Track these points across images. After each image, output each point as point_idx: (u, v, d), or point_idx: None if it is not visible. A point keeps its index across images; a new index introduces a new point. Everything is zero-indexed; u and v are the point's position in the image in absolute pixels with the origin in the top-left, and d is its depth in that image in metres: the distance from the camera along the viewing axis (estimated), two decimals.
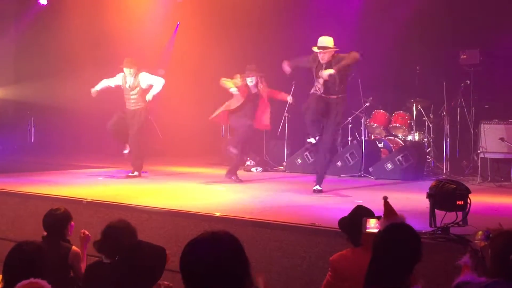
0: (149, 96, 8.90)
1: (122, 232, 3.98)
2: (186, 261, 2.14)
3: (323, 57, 7.62)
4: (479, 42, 10.57)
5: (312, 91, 7.71)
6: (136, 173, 9.12)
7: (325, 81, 7.55)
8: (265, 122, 8.98)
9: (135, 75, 8.96)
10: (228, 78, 8.91)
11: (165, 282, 3.40)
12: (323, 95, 7.60)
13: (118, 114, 9.13)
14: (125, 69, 8.96)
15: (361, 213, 3.69)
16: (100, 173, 9.67)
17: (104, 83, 9.14)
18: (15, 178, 8.79)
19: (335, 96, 7.61)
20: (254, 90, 8.89)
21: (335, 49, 7.65)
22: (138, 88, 8.95)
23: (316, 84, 7.67)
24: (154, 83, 8.98)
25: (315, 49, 7.65)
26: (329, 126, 7.63)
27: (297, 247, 5.11)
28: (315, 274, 4.85)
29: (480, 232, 3.56)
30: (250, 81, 8.84)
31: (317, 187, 7.65)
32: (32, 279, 3.12)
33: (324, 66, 7.62)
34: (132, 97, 9.00)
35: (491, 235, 3.28)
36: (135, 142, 9.07)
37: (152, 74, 9.16)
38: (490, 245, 3.02)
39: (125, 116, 9.11)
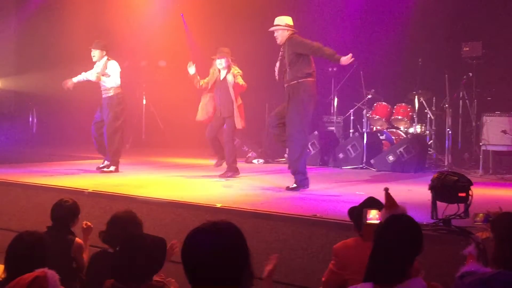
0: (74, 79, 8.49)
1: (127, 223, 3.99)
2: (187, 251, 2.14)
3: (276, 37, 7.08)
4: (481, 35, 10.55)
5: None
6: (112, 167, 8.55)
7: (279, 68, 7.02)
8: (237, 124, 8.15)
9: (105, 61, 8.49)
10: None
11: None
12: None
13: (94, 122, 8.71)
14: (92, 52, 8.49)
15: (370, 204, 3.69)
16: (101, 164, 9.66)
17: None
18: (17, 169, 8.80)
19: (286, 84, 7.05)
20: (222, 76, 8.19)
21: (285, 28, 7.03)
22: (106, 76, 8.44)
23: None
24: (111, 75, 8.44)
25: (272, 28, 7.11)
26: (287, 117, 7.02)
27: (298, 238, 5.12)
28: (316, 265, 4.86)
29: (480, 214, 3.57)
30: (219, 63, 8.14)
31: (293, 185, 7.03)
32: (36, 271, 3.14)
33: (281, 48, 7.09)
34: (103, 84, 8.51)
35: (491, 218, 3.29)
36: (110, 134, 8.50)
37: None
38: (493, 227, 3.02)
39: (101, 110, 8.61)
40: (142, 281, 3.17)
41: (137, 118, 14.03)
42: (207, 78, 8.38)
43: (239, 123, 8.15)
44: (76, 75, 8.80)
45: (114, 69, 8.52)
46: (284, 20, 7.13)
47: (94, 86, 8.95)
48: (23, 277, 3.14)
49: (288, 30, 7.09)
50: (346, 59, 6.91)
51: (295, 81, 6.96)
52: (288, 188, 7.02)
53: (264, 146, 11.18)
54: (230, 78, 8.07)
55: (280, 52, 7.12)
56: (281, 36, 7.08)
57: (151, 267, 3.23)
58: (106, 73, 8.48)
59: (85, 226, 4.86)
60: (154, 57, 14.23)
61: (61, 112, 13.98)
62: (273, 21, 7.24)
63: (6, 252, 3.45)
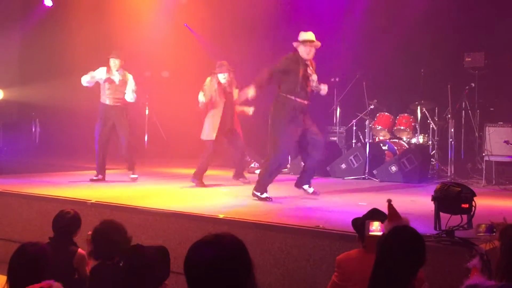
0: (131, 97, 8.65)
1: (109, 232, 4.00)
2: (189, 263, 2.14)
3: (313, 53, 7.03)
4: (484, 45, 10.56)
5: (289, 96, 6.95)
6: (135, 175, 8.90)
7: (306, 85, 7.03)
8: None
9: (124, 71, 8.69)
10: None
11: None
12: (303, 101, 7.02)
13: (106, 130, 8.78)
14: (112, 61, 8.60)
15: (374, 216, 3.68)
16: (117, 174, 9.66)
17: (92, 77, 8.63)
18: (20, 179, 8.80)
19: (308, 102, 7.09)
20: (229, 89, 8.32)
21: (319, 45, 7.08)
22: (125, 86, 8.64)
23: (295, 88, 6.94)
24: (131, 93, 8.66)
25: (307, 38, 6.98)
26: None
27: (301, 249, 5.10)
28: (319, 276, 4.84)
29: (483, 225, 3.55)
30: (223, 77, 8.25)
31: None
32: (42, 283, 3.13)
33: (306, 62, 7.01)
34: (119, 93, 8.65)
35: (495, 229, 3.27)
36: (128, 138, 8.76)
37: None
38: (501, 236, 3.00)
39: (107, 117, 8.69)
40: None
41: (140, 129, 14.04)
42: (206, 95, 8.33)
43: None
44: (78, 87, 8.87)
45: (132, 81, 8.80)
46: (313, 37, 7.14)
47: (96, 96, 8.98)
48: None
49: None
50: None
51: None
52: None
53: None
54: (235, 91, 8.28)
55: (310, 69, 7.07)
56: (313, 52, 7.09)
57: (155, 278, 3.22)
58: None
59: (89, 238, 4.84)
60: (157, 68, 14.26)
61: (64, 123, 14.01)
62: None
63: (8, 263, 3.45)
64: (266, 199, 7.00)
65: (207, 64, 12.66)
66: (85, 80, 8.58)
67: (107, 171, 9.07)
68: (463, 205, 4.42)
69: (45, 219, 5.67)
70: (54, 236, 4.71)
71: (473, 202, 4.44)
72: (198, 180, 8.36)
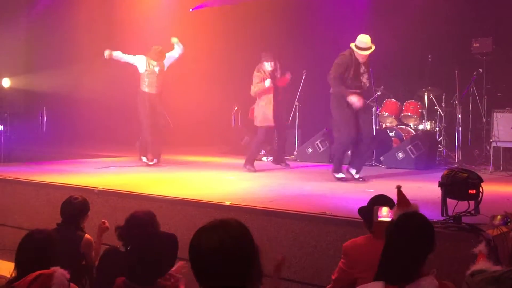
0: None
1: (147, 224, 3.93)
2: (195, 248, 2.14)
3: (364, 58, 7.61)
4: (491, 30, 10.47)
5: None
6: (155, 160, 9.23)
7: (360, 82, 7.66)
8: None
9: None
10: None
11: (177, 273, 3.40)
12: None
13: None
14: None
15: (380, 202, 3.67)
16: (112, 162, 9.70)
17: (125, 58, 9.08)
18: (28, 167, 8.84)
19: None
20: (274, 76, 8.73)
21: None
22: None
23: (352, 83, 7.58)
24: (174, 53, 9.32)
25: (364, 52, 7.56)
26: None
27: (308, 236, 5.11)
28: (326, 263, 4.85)
29: (499, 216, 3.54)
30: (269, 65, 8.65)
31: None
32: (46, 270, 3.15)
33: (361, 64, 7.61)
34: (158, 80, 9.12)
35: (509, 220, 3.25)
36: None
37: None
38: None
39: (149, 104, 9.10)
40: (154, 279, 3.17)
41: (162, 121, 14.04)
42: (263, 84, 8.64)
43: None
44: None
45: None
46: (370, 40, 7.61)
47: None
48: (29, 275, 3.16)
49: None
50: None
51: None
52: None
53: (274, 144, 11.17)
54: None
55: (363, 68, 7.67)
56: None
57: (163, 264, 3.23)
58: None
59: (103, 225, 4.86)
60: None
61: (71, 111, 14.05)
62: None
63: (16, 251, 3.47)
64: (341, 179, 7.63)
65: (214, 52, 12.67)
66: (117, 55, 9.01)
67: (116, 159, 9.13)
68: (470, 191, 4.41)
69: (53, 207, 5.70)
70: (62, 222, 4.74)
71: (480, 188, 4.43)
72: (250, 165, 8.72)
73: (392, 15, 11.16)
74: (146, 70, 9.01)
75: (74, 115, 13.94)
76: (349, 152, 8.14)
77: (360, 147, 7.71)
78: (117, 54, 8.99)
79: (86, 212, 4.87)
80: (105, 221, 4.90)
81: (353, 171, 7.70)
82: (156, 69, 9.03)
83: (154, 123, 9.11)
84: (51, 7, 14.38)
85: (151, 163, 9.09)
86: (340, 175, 7.70)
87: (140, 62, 9.04)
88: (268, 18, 12.25)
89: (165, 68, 9.17)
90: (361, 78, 7.67)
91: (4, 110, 12.60)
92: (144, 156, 9.26)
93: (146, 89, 9.05)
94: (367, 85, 7.82)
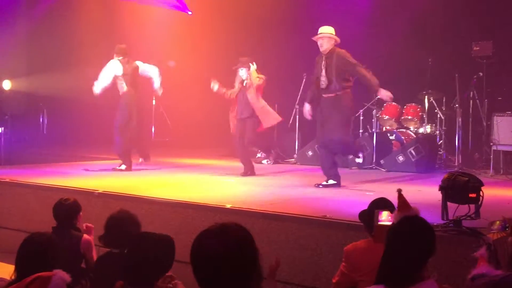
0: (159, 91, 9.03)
1: (123, 222, 4.02)
2: (196, 252, 2.14)
3: (321, 45, 7.33)
4: (492, 34, 10.48)
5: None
6: (123, 166, 8.93)
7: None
8: (264, 124, 8.65)
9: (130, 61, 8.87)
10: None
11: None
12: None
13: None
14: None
15: (380, 205, 3.66)
16: (111, 164, 9.69)
17: (104, 78, 8.82)
18: (28, 169, 8.84)
19: (328, 95, 7.42)
20: (245, 83, 8.57)
21: (332, 36, 7.35)
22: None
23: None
24: (151, 71, 9.00)
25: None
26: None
27: (308, 239, 5.11)
28: (326, 266, 4.85)
29: (497, 222, 3.54)
30: (242, 73, 8.56)
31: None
32: (39, 274, 3.15)
33: (324, 57, 7.37)
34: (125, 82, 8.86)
35: (507, 226, 3.25)
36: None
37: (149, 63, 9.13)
38: None
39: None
40: (152, 281, 3.16)
41: (147, 119, 14.05)
42: (234, 90, 8.66)
43: (267, 122, 8.63)
44: (86, 77, 8.95)
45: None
46: (329, 30, 7.39)
47: (107, 86, 9.02)
48: (28, 278, 3.16)
49: (334, 39, 7.38)
50: (385, 94, 7.48)
51: (340, 92, 7.31)
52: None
53: (274, 147, 11.18)
54: (251, 87, 8.45)
55: (324, 62, 7.34)
56: (326, 44, 7.32)
57: (160, 266, 3.22)
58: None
59: (85, 228, 4.90)
60: (163, 58, 14.25)
61: (72, 113, 14.04)
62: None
63: (17, 253, 3.47)
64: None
65: (212, 53, 12.67)
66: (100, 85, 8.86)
67: (115, 161, 9.13)
68: (471, 195, 4.41)
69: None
70: (57, 225, 4.76)
71: (480, 191, 4.42)
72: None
73: (392, 18, 11.17)
74: (122, 71, 8.81)
75: (74, 118, 13.93)
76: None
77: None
78: (99, 85, 8.79)
79: (79, 211, 4.90)
80: (87, 224, 4.93)
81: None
82: (128, 68, 8.82)
83: (137, 123, 8.97)
84: (52, 9, 14.38)
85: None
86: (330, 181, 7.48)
87: (115, 67, 8.81)
88: (268, 20, 12.26)
89: (139, 69, 8.94)
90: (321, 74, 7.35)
91: (5, 112, 12.58)
92: (140, 157, 9.29)
93: (124, 89, 8.89)
94: (326, 83, 7.37)
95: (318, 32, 7.41)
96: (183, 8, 12.77)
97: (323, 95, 7.39)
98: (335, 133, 7.31)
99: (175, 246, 3.24)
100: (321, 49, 7.37)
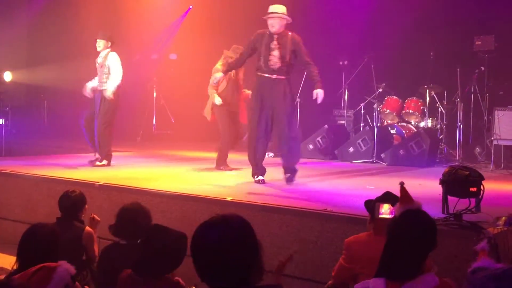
0: (109, 93, 8.13)
1: (136, 214, 4.04)
2: (196, 244, 2.15)
3: (273, 25, 6.76)
4: (493, 28, 10.46)
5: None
6: (104, 161, 8.33)
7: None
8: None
9: (107, 52, 8.30)
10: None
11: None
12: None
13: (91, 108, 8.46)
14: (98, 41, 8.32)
15: (386, 198, 3.66)
16: (113, 158, 9.68)
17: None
18: (29, 161, 8.84)
19: (278, 76, 6.89)
20: (234, 75, 8.26)
21: (285, 17, 6.79)
22: (106, 67, 8.22)
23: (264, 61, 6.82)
24: (113, 75, 8.21)
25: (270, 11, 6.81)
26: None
27: (308, 232, 5.12)
28: (327, 259, 4.85)
29: (503, 218, 3.55)
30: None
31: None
32: (44, 264, 3.16)
33: (275, 37, 6.79)
34: (103, 75, 8.26)
35: None
36: (101, 126, 8.26)
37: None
38: None
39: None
40: (161, 275, 3.17)
41: (148, 111, 14.05)
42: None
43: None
44: (86, 69, 8.86)
45: (113, 61, 8.28)
46: (282, 9, 6.87)
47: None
48: (33, 267, 3.17)
49: (286, 20, 6.87)
50: (321, 96, 6.83)
51: (289, 76, 6.92)
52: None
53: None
54: (241, 75, 8.26)
55: (276, 41, 6.84)
56: (279, 24, 6.80)
57: (172, 262, 3.23)
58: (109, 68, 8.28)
59: (92, 220, 4.90)
60: (165, 50, 14.24)
61: (73, 105, 14.02)
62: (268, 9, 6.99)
63: (18, 245, 3.48)
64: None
65: (214, 46, 12.64)
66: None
67: (116, 153, 9.09)
68: (471, 189, 4.42)
69: (54, 201, 5.68)
70: (61, 216, 4.77)
71: (481, 185, 4.43)
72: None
73: (394, 12, 11.14)
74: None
75: (75, 109, 13.92)
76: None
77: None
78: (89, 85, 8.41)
79: (84, 204, 4.91)
80: (94, 215, 4.94)
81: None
82: (98, 61, 8.36)
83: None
84: (52, 1, 14.36)
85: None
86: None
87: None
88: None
89: (106, 62, 8.22)
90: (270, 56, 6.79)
91: (6, 104, 12.59)
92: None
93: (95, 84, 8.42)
94: (278, 64, 6.80)
95: (270, 11, 6.84)
96: None
97: (271, 76, 6.83)
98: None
99: (187, 243, 3.25)
100: (273, 30, 6.76)
